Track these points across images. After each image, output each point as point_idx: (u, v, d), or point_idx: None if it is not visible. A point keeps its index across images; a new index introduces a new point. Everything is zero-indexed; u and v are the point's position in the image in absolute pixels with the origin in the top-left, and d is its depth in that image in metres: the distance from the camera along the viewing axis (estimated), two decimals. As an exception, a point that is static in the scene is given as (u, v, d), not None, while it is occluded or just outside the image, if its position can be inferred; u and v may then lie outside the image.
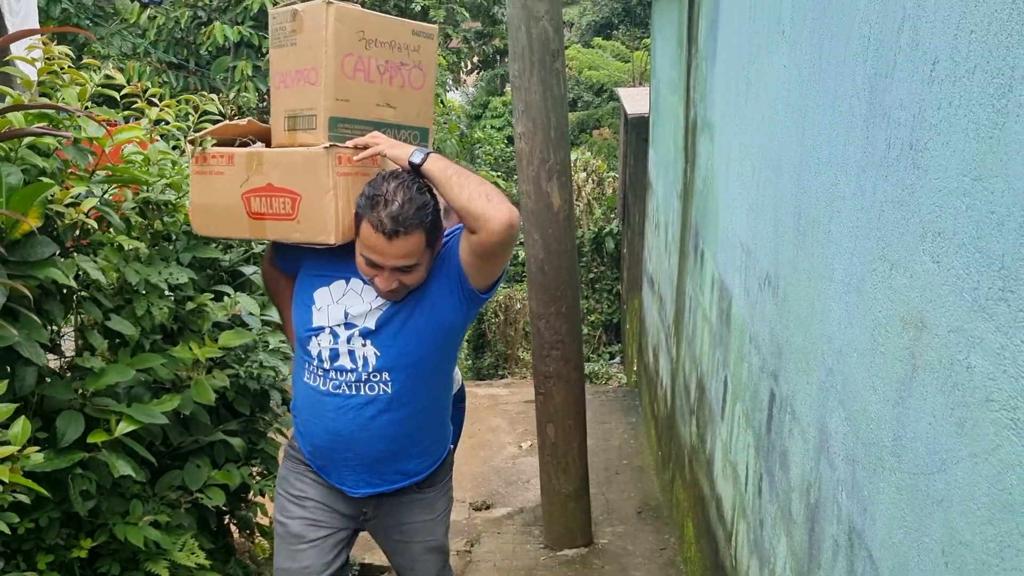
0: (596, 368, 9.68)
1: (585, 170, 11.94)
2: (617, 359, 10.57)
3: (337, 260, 2.13)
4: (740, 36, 2.86)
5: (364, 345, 2.11)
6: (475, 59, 16.44)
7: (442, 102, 8.40)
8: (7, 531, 1.81)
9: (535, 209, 3.61)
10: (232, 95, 6.61)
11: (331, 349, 2.13)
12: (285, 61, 2.13)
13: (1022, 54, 1.04)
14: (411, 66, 2.21)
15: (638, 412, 6.65)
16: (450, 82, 15.02)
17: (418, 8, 11.46)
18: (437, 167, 1.98)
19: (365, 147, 2.05)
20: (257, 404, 3.12)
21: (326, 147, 2.02)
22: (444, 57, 8.77)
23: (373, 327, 2.10)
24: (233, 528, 3.32)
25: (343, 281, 2.15)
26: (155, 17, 7.33)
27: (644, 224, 6.73)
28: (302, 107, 2.10)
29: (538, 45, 3.43)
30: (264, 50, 7.12)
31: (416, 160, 2.00)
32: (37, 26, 3.82)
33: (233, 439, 2.84)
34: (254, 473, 3.07)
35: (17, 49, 2.13)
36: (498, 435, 6.38)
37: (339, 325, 2.12)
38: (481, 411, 6.88)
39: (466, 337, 12.79)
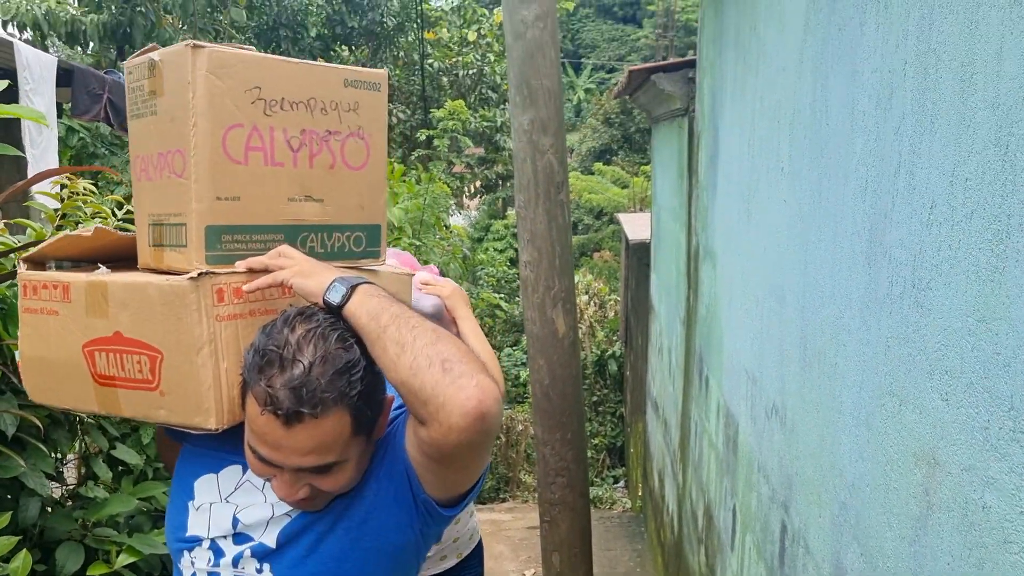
0: (600, 492, 9.51)
1: (587, 292, 12.06)
2: (621, 483, 10.40)
3: (232, 435, 1.38)
4: (740, 169, 2.96)
5: (259, 571, 1.35)
6: (477, 183, 16.89)
7: (446, 226, 8.57)
8: (1, 672, 1.75)
9: (540, 335, 3.64)
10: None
11: (208, 574, 1.38)
12: (146, 139, 1.43)
13: (1016, 203, 1.08)
14: (344, 135, 1.49)
15: (643, 539, 6.49)
16: (454, 206, 15.37)
17: (423, 137, 11.85)
18: (366, 310, 1.26)
19: (263, 271, 1.35)
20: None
21: (194, 277, 1.31)
22: (448, 184, 9.00)
23: (273, 545, 1.35)
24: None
25: (239, 467, 1.41)
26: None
27: (647, 347, 6.75)
28: (167, 211, 1.40)
29: (543, 177, 3.54)
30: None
31: (334, 300, 1.28)
32: (56, 156, 3.96)
33: (233, 570, 2.78)
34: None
35: (40, 185, 2.21)
36: (501, 563, 6.21)
37: (224, 537, 1.38)
38: (483, 537, 6.71)
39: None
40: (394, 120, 13.35)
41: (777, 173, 2.38)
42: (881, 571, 1.53)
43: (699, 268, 3.90)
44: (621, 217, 9.06)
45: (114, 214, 2.27)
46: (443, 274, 2.49)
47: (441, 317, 2.10)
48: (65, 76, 4.28)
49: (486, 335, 2.15)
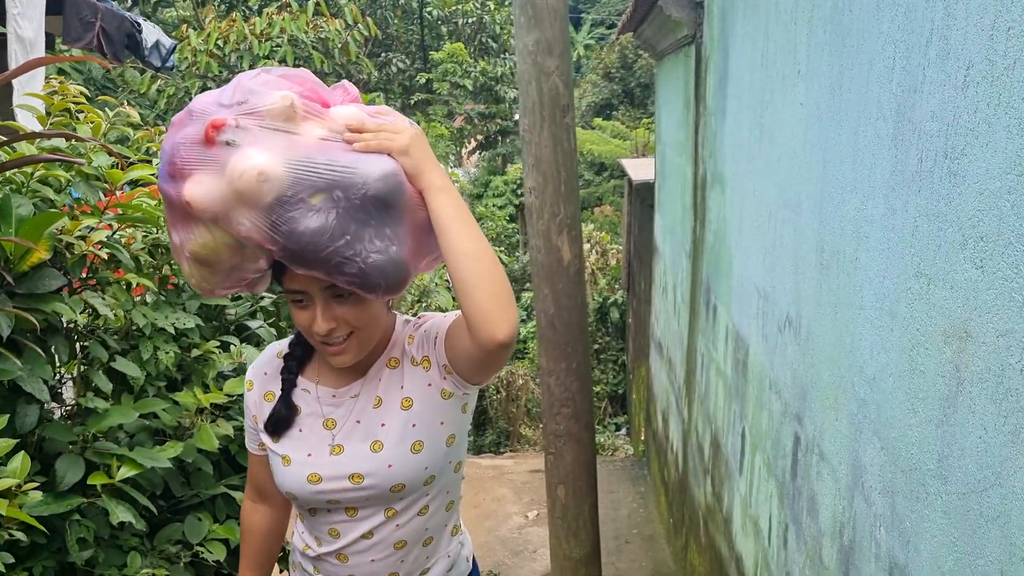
0: (602, 440, 9.52)
1: (588, 241, 11.99)
2: (623, 430, 10.41)
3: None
4: (752, 85, 2.88)
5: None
6: (478, 137, 16.73)
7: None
8: (1, 570, 1.72)
9: (545, 263, 3.58)
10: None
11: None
12: None
13: (1068, 39, 1.02)
14: None
15: (647, 481, 6.50)
16: (452, 160, 15.24)
17: (423, 80, 11.70)
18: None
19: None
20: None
21: None
22: (449, 129, 8.89)
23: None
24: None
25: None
26: (164, 89, 7.45)
27: (651, 290, 6.70)
28: None
29: (548, 100, 3.45)
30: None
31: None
32: (43, 52, 3.83)
33: (236, 493, 2.75)
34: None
35: (30, 82, 2.12)
36: (503, 505, 6.22)
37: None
38: (486, 481, 6.74)
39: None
40: (393, 70, 13.16)
41: (793, 78, 2.30)
42: (904, 460, 1.49)
43: (706, 197, 3.83)
44: (624, 162, 8.96)
45: (107, 117, 2.20)
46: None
47: (398, 193, 1.33)
48: (56, 3, 4.17)
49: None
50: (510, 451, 11.57)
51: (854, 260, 1.77)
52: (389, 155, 1.34)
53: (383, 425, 1.52)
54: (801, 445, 2.18)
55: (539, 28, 3.40)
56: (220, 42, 7.50)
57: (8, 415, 1.86)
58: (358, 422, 1.54)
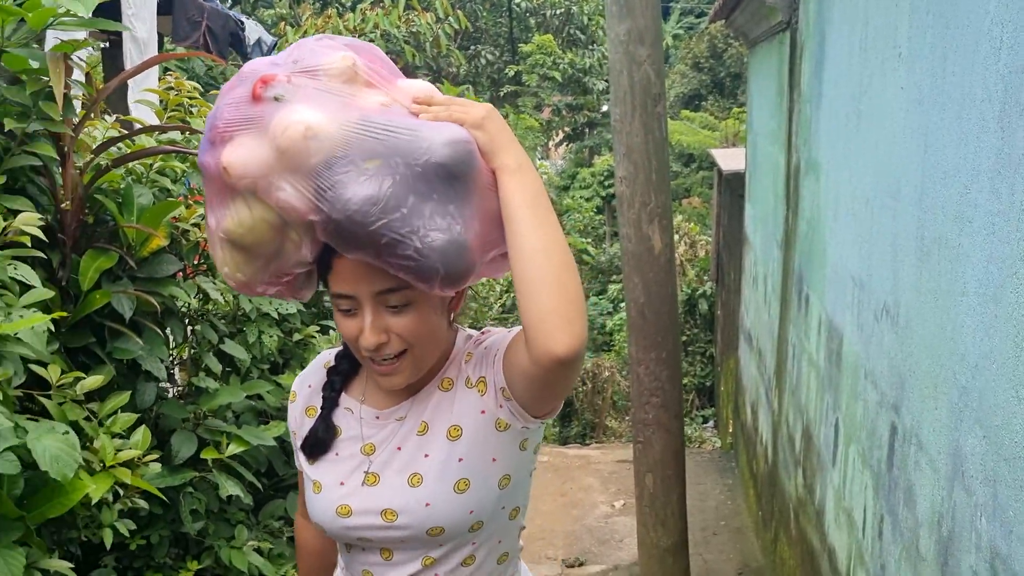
0: (689, 432, 9.45)
1: (677, 232, 11.89)
2: (711, 423, 10.31)
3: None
4: (850, 70, 2.83)
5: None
6: (565, 129, 16.73)
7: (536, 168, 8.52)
8: (126, 535, 1.84)
9: (636, 252, 3.59)
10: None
11: None
12: None
13: None
14: None
15: (735, 474, 6.44)
16: (539, 151, 15.29)
17: (511, 73, 11.76)
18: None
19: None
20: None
21: None
22: (538, 120, 8.93)
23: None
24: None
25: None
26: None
27: (740, 281, 6.62)
28: None
29: (640, 89, 3.45)
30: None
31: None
32: (156, 51, 4.02)
33: (334, 472, 2.86)
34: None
35: (144, 79, 2.26)
36: (590, 494, 6.25)
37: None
38: (572, 470, 6.77)
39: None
40: (482, 62, 13.28)
41: (894, 61, 2.26)
42: (1008, 448, 1.46)
43: (800, 185, 3.77)
44: (715, 152, 8.85)
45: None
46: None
47: (467, 164, 1.14)
48: (165, 3, 4.37)
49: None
50: (595, 443, 11.58)
51: (956, 246, 1.74)
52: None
53: (426, 456, 1.28)
54: (898, 435, 2.14)
55: (631, 17, 3.40)
56: (315, 38, 7.64)
57: (129, 392, 1.98)
58: (399, 449, 1.30)
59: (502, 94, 12.63)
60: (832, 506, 2.94)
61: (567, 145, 19.34)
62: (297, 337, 2.80)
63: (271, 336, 2.62)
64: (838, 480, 2.85)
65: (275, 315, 2.64)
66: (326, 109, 1.10)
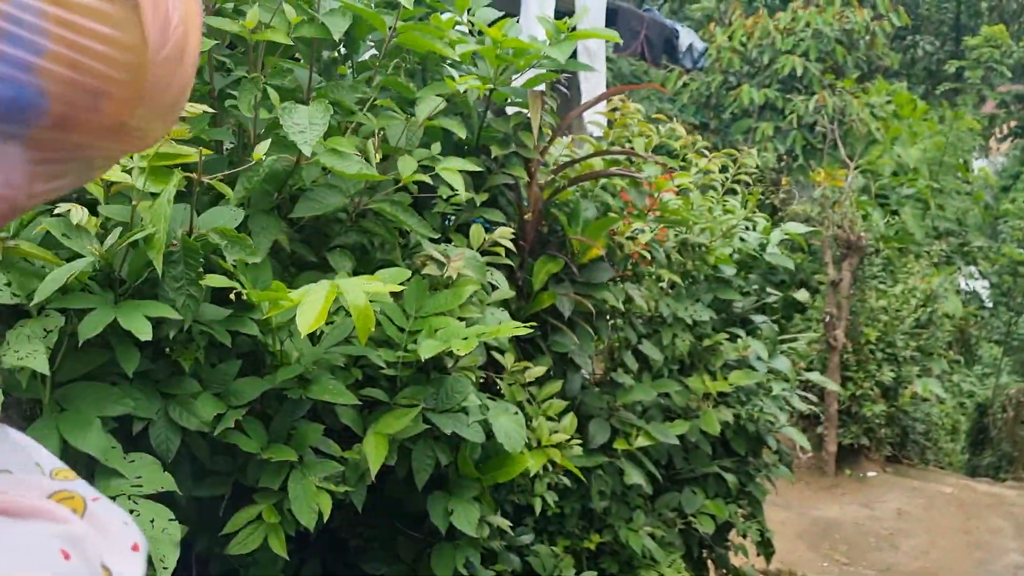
0: None
1: None
2: None
3: None
4: None
5: None
6: (1012, 124, 14.87)
7: (970, 169, 7.77)
8: (551, 505, 2.14)
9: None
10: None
11: None
12: None
13: None
14: None
15: None
16: (979, 150, 13.80)
17: (951, 70, 10.77)
18: None
19: None
20: (751, 447, 3.23)
21: None
22: (979, 120, 8.12)
23: None
24: (710, 565, 3.45)
25: None
26: (688, 83, 7.93)
27: None
28: None
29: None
30: (786, 112, 7.29)
31: None
32: (604, 88, 4.41)
33: (727, 475, 2.98)
34: (739, 513, 3.17)
35: (594, 89, 2.53)
36: (999, 538, 5.67)
37: None
38: (980, 508, 6.18)
39: (964, 429, 11.44)
40: (919, 53, 12.27)
41: None
42: None
43: None
44: None
45: (658, 132, 2.52)
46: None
47: None
48: (610, 15, 4.73)
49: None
50: (1012, 479, 10.32)
51: None
52: None
53: None
54: None
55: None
56: (744, 38, 7.75)
57: (561, 381, 2.27)
58: None
59: (938, 92, 11.59)
60: None
61: (1012, 141, 17.12)
62: (707, 342, 2.95)
63: (683, 340, 2.80)
64: None
65: (688, 320, 2.81)
66: None
